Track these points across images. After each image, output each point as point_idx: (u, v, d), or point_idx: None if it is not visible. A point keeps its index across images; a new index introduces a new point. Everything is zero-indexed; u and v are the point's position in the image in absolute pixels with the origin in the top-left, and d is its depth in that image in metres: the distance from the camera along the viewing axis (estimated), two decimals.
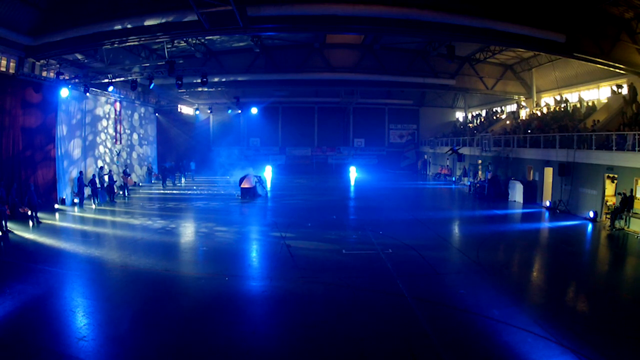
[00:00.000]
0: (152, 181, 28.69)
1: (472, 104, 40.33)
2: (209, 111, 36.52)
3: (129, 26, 15.30)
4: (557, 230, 15.69)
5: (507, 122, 30.73)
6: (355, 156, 41.42)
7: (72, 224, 15.93)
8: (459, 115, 41.97)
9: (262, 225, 16.18)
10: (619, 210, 15.08)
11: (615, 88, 21.31)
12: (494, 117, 34.81)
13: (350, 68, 28.55)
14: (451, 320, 7.70)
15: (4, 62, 16.08)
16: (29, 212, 15.14)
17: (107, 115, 23.83)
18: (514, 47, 22.11)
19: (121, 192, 22.45)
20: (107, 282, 9.75)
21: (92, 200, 19.63)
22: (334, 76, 28.68)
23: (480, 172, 24.86)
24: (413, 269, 10.65)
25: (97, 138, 22.86)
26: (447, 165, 34.62)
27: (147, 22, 15.04)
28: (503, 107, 35.51)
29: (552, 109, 25.99)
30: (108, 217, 17.40)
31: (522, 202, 21.49)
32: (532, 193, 21.67)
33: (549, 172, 20.50)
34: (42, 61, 17.65)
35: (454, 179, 32.35)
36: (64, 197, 18.92)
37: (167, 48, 19.75)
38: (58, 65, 18.07)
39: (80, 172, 19.89)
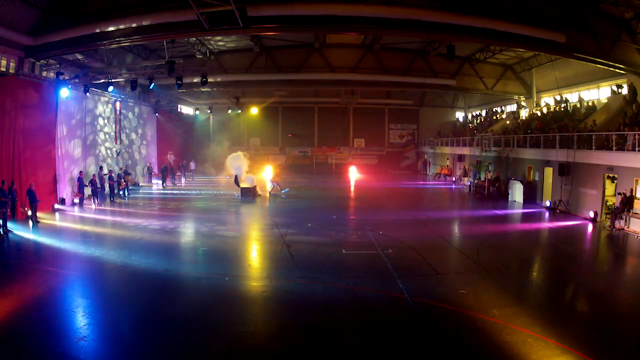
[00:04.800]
0: (152, 181, 28.67)
1: (472, 104, 40.31)
2: (209, 111, 36.55)
3: (128, 26, 15.29)
4: (557, 230, 15.68)
5: (507, 122, 30.72)
6: (355, 156, 41.44)
7: (72, 224, 15.91)
8: (459, 115, 41.95)
9: (262, 225, 16.18)
10: (619, 210, 15.09)
11: (615, 88, 21.31)
12: (494, 117, 34.79)
13: (350, 68, 28.53)
14: (451, 320, 7.70)
15: (4, 62, 16.07)
16: (29, 212, 15.14)
17: (107, 115, 23.82)
18: (514, 47, 22.11)
19: (121, 192, 22.43)
20: (107, 282, 9.74)
21: (92, 200, 19.63)
22: (334, 76, 28.66)
23: (486, 172, 24.85)
24: (413, 269, 10.64)
25: (97, 138, 22.85)
26: (447, 165, 34.63)
27: (147, 22, 15.04)
28: (503, 107, 35.49)
29: (552, 109, 25.98)
30: (108, 217, 17.39)
31: (522, 202, 21.49)
32: (532, 193, 21.66)
33: (549, 172, 20.50)
34: (42, 61, 17.63)
35: (454, 179, 32.35)
36: (64, 197, 18.90)
37: (167, 48, 19.75)
38: (58, 65, 18.06)
39: (81, 172, 19.87)
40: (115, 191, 21.68)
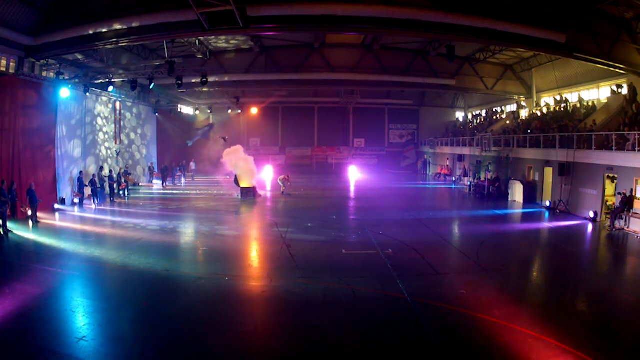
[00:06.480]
0: (152, 181, 28.67)
1: (472, 104, 40.32)
2: (209, 111, 36.55)
3: (129, 26, 15.28)
4: (557, 231, 15.69)
5: (507, 122, 30.72)
6: (355, 156, 41.46)
7: (72, 224, 15.90)
8: (459, 115, 41.97)
9: (262, 225, 16.18)
10: (619, 210, 15.09)
11: (615, 88, 21.31)
12: (494, 117, 34.79)
13: (350, 68, 28.52)
14: (451, 320, 7.70)
15: (4, 62, 16.06)
16: (29, 212, 15.14)
17: (107, 115, 23.82)
18: (514, 47, 22.11)
19: (121, 192, 22.43)
20: (107, 282, 9.74)
21: (92, 200, 19.62)
22: (334, 76, 28.66)
23: (486, 172, 24.84)
24: (413, 269, 10.64)
25: (97, 138, 22.85)
26: (447, 165, 34.63)
27: (147, 22, 15.03)
28: (503, 107, 35.49)
29: (552, 109, 25.99)
30: (108, 217, 17.39)
31: (522, 202, 21.49)
32: (532, 193, 21.66)
33: (549, 172, 20.50)
34: (42, 61, 17.63)
35: (453, 179, 32.35)
36: (64, 197, 18.90)
37: (167, 48, 19.75)
38: (58, 65, 18.05)
39: (81, 172, 19.87)
40: (115, 191, 21.68)
